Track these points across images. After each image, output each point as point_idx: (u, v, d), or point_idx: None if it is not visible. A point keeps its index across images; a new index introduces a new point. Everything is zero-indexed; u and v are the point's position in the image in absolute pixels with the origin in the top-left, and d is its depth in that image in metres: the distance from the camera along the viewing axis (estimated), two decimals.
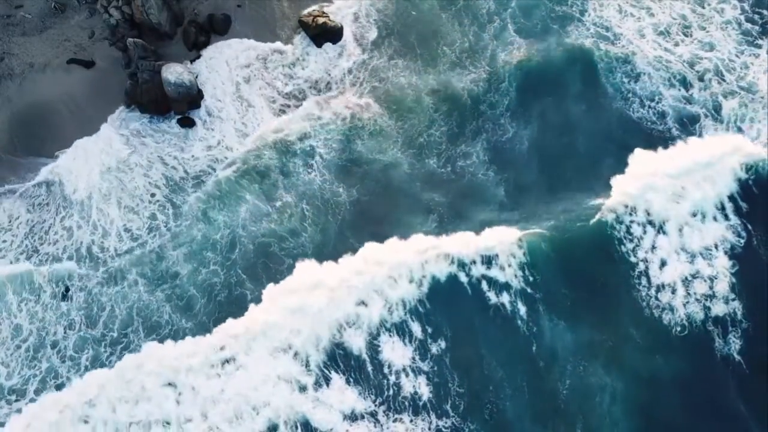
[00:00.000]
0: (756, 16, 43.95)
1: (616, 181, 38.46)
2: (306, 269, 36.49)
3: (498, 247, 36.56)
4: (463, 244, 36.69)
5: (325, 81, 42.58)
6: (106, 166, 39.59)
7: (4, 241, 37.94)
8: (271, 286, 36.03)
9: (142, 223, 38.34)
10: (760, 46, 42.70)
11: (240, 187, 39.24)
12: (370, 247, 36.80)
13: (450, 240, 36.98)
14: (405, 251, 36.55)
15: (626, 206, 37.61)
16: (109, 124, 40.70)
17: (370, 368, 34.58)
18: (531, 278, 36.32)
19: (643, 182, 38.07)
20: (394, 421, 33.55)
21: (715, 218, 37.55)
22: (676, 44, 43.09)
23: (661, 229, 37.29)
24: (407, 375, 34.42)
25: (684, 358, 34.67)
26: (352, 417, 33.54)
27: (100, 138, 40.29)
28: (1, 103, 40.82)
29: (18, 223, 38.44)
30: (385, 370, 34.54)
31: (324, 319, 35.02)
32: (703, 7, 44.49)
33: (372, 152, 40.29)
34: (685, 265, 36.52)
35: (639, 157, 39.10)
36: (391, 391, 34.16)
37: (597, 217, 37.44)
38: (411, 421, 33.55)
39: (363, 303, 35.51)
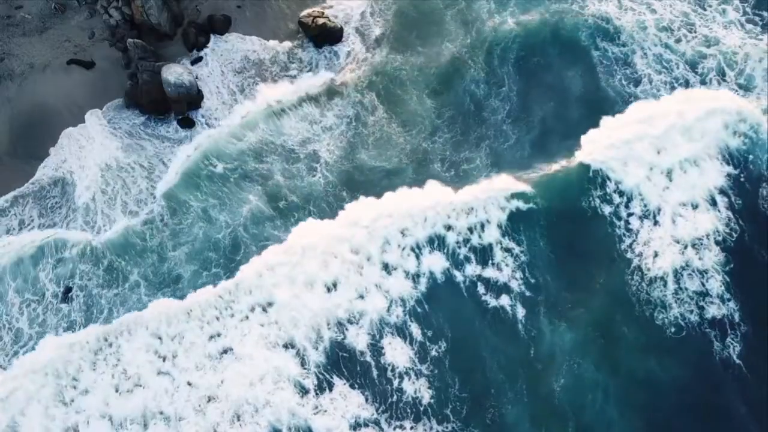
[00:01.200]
0: (756, 18, 43.93)
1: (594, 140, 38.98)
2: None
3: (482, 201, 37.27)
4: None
5: (326, 82, 42.39)
6: (103, 161, 39.81)
7: None
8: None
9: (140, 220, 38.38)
10: (761, 40, 42.64)
11: (240, 189, 39.18)
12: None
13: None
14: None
15: (617, 190, 37.77)
16: (94, 115, 41.03)
17: (366, 367, 34.49)
18: (516, 249, 36.71)
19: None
20: (395, 428, 33.43)
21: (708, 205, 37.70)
22: (678, 40, 43.01)
23: (654, 215, 37.37)
24: (406, 373, 34.33)
25: (681, 357, 34.51)
26: (352, 421, 33.48)
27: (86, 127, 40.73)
28: (1, 103, 40.82)
29: (30, 228, 38.46)
30: (383, 369, 34.44)
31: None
32: (704, 9, 44.49)
33: (376, 159, 40.21)
34: (678, 255, 36.31)
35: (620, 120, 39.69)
36: (394, 396, 33.97)
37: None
38: (411, 428, 33.35)
39: (361, 296, 35.58)
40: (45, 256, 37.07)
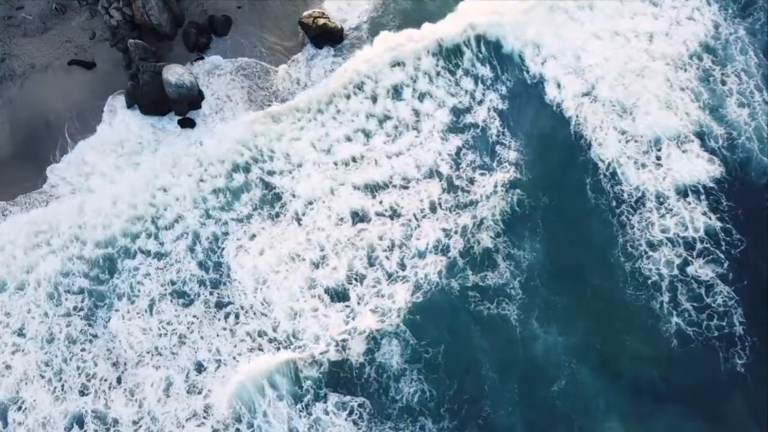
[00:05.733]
0: None
1: None
2: None
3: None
4: None
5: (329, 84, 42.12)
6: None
7: None
8: None
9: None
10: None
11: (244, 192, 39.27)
12: None
13: None
14: None
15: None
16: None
17: (359, 367, 34.51)
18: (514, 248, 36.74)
19: None
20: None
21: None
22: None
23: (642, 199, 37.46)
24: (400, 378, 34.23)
25: (684, 367, 34.17)
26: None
27: None
28: (2, 104, 40.99)
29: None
30: (375, 371, 34.42)
31: None
32: None
33: None
34: (677, 251, 36.11)
35: None
36: (383, 396, 33.95)
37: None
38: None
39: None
40: None
